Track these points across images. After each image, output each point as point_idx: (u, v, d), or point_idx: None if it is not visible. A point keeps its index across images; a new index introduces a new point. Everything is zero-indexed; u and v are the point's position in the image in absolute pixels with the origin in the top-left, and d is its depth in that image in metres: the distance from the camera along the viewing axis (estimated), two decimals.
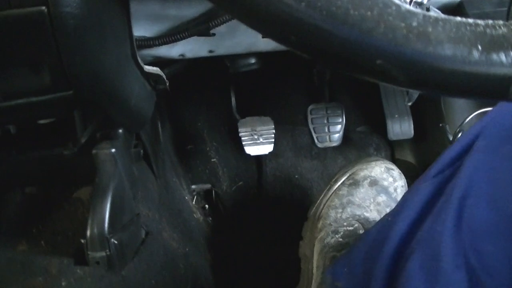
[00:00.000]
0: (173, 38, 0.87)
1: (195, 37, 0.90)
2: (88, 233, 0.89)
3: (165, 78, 0.93)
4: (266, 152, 1.41)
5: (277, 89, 1.52)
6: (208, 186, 1.47)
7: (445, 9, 0.96)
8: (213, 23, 0.86)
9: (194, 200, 1.44)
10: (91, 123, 1.01)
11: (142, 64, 0.86)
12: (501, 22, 0.37)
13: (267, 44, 0.98)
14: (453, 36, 0.35)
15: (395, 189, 1.13)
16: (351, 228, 1.04)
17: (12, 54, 0.69)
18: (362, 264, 0.85)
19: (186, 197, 1.40)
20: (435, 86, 0.36)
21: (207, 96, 1.52)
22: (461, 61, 0.35)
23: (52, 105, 0.78)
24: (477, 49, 0.35)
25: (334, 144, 1.44)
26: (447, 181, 0.76)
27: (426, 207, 0.78)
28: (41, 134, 1.04)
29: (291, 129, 1.49)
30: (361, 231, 1.03)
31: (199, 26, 0.87)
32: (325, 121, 1.43)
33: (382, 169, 1.13)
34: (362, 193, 1.10)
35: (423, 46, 0.35)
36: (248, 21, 0.39)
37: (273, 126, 1.42)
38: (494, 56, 0.35)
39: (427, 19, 0.36)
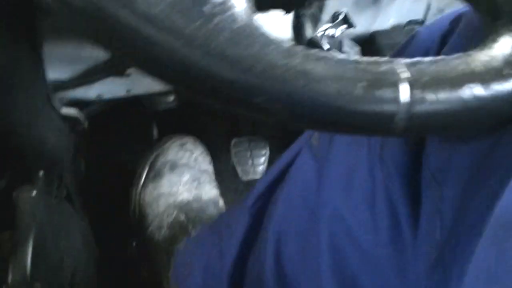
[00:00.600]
0: (88, 80, 0.88)
1: (111, 78, 0.91)
2: (10, 279, 0.88)
3: (83, 119, 0.93)
4: None
5: (199, 124, 1.53)
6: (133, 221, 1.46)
7: (358, 41, 0.99)
8: (128, 63, 0.87)
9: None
10: (10, 166, 1.00)
11: (58, 107, 0.86)
12: (385, 58, 0.39)
13: None
14: (335, 73, 0.36)
15: (195, 160, 1.20)
16: (171, 218, 1.09)
17: None
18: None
19: (112, 234, 1.39)
20: (322, 123, 0.37)
21: (129, 131, 1.51)
22: (343, 98, 0.36)
23: None
24: (360, 86, 0.36)
25: (259, 176, 1.45)
26: (263, 212, 0.78)
27: (247, 238, 0.80)
28: None
29: (214, 162, 1.50)
30: (182, 217, 1.07)
31: (114, 67, 0.88)
32: (248, 155, 1.44)
33: (176, 148, 1.19)
34: (167, 181, 1.15)
35: (303, 83, 0.36)
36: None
37: None
38: (377, 93, 0.37)
39: (308, 57, 0.37)
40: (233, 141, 1.47)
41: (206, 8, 0.36)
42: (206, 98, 0.37)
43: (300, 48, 0.37)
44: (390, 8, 1.02)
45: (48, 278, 0.94)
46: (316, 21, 0.96)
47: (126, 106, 1.17)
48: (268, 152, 1.47)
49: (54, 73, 0.87)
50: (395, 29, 1.05)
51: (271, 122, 0.38)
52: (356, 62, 0.37)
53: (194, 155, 1.19)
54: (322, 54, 0.37)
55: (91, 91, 0.96)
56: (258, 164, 1.45)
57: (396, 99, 0.37)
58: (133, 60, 0.37)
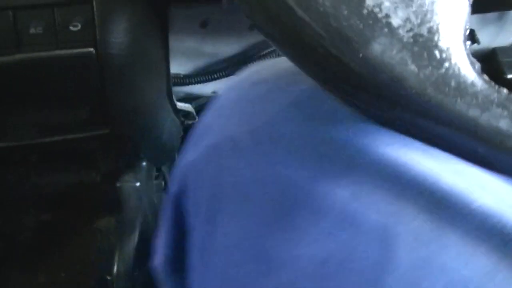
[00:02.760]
0: (210, 77, 0.87)
1: None
2: (115, 269, 0.88)
3: (195, 114, 0.92)
4: None
5: None
6: None
7: (477, 56, 0.95)
8: (252, 63, 0.86)
9: None
10: (114, 152, 1.00)
11: (175, 100, 0.85)
12: None
13: None
14: None
15: None
16: None
17: (55, 92, 0.68)
18: None
19: None
20: None
21: None
22: None
23: (87, 141, 0.77)
24: None
25: None
26: None
27: None
28: (62, 160, 1.03)
29: None
30: None
31: (237, 65, 0.87)
32: None
33: None
34: None
35: None
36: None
37: None
38: None
39: None
40: None
41: (436, 53, 0.35)
42: (417, 136, 0.36)
43: None
44: None
45: (148, 270, 0.94)
46: None
47: None
48: None
49: (174, 66, 0.86)
50: None
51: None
52: None
53: None
54: None
55: (207, 87, 0.95)
56: None
57: None
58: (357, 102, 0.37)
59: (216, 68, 0.88)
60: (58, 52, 0.63)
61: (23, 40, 0.61)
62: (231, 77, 0.89)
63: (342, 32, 0.34)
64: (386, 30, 0.34)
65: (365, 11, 0.34)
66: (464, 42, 0.37)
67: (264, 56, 0.86)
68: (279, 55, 0.86)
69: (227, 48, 0.87)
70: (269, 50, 0.87)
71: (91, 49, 0.63)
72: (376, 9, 0.34)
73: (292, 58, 0.38)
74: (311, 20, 0.34)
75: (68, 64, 0.64)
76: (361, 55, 0.34)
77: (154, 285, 0.98)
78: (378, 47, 0.34)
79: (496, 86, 0.36)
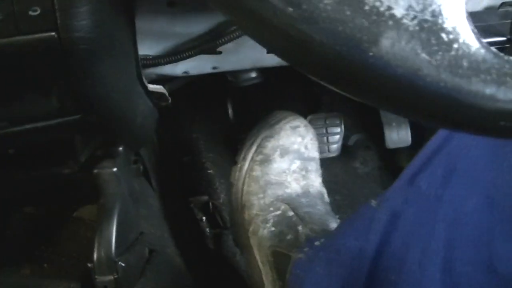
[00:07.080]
0: (179, 56, 0.86)
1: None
2: (95, 256, 0.87)
3: (168, 96, 0.91)
4: None
5: (275, 100, 1.50)
6: (205, 198, 1.45)
7: None
8: (221, 41, 0.85)
9: (196, 213, 1.42)
10: (91, 141, 0.99)
11: (146, 83, 0.84)
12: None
13: (272, 60, 0.97)
14: None
15: (306, 147, 1.13)
16: (278, 212, 1.03)
17: (21, 80, 0.67)
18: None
19: (185, 210, 1.39)
20: None
21: (203, 106, 1.50)
22: None
23: (59, 129, 0.76)
24: None
25: (333, 155, 1.42)
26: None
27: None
28: (39, 152, 1.02)
29: None
30: (290, 213, 1.02)
31: (206, 44, 0.86)
32: (324, 131, 1.41)
33: (288, 132, 1.12)
34: (276, 169, 1.08)
35: None
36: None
37: None
38: None
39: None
40: (308, 118, 1.43)
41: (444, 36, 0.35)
42: (440, 121, 0.37)
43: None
44: None
45: (130, 256, 0.94)
46: None
47: (203, 79, 1.14)
48: (343, 130, 1.43)
49: (143, 48, 0.85)
50: (488, 11, 1.00)
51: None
52: None
53: (305, 141, 1.12)
54: None
55: (178, 68, 0.94)
56: (332, 142, 1.41)
57: None
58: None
59: (186, 47, 0.87)
60: (19, 38, 0.62)
61: None
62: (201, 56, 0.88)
63: (350, 34, 0.34)
64: (391, 22, 0.34)
65: (367, 8, 0.34)
66: (468, 18, 0.37)
67: (233, 32, 0.85)
68: None
69: (196, 26, 0.86)
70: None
71: (53, 33, 0.62)
72: (377, 3, 0.34)
73: (304, 70, 0.38)
74: (316, 31, 0.34)
75: (31, 50, 0.63)
76: (372, 52, 0.34)
77: (137, 272, 0.98)
78: (387, 41, 0.34)
79: (506, 57, 0.36)
